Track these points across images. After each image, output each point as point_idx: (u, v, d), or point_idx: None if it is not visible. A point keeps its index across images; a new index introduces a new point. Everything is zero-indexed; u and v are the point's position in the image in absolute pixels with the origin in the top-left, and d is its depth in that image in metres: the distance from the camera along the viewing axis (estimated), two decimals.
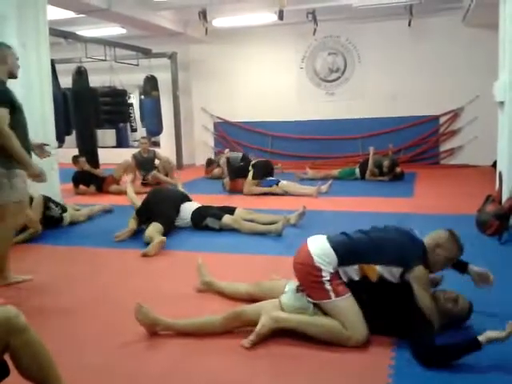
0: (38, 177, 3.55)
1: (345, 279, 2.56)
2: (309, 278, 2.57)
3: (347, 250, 2.60)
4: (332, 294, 2.50)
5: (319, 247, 2.62)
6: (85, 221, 5.47)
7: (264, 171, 7.13)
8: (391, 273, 2.55)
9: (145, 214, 4.88)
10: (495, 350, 2.27)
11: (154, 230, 4.54)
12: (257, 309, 2.67)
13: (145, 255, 4.17)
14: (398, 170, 7.97)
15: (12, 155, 3.32)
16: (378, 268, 2.54)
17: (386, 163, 7.83)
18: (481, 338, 2.22)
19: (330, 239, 2.66)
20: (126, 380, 2.29)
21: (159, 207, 4.88)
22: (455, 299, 2.58)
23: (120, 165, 7.80)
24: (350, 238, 2.68)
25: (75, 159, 7.59)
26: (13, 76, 3.61)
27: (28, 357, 1.79)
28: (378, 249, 2.59)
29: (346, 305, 2.50)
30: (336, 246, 2.60)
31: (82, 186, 7.57)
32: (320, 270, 2.53)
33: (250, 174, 7.00)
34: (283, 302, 2.62)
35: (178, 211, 5.03)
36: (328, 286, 2.51)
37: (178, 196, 5.28)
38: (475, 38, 8.65)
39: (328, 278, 2.52)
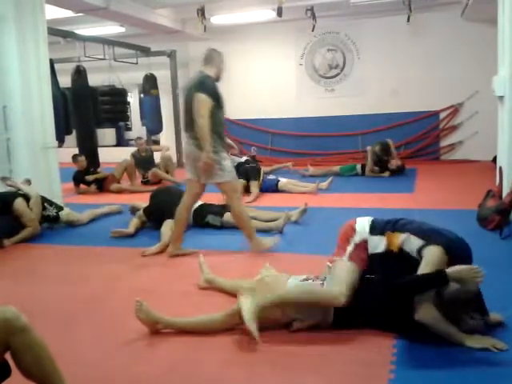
0: (208, 165, 3.85)
1: (370, 250, 2.68)
2: (344, 235, 2.79)
3: (383, 221, 2.78)
4: (346, 255, 2.66)
5: (363, 219, 2.84)
6: (86, 223, 5.44)
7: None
8: (411, 244, 2.56)
9: (155, 214, 4.88)
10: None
11: (168, 228, 4.49)
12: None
13: (143, 255, 4.17)
14: (398, 162, 7.98)
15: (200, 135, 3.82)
16: (402, 236, 2.60)
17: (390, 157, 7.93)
18: (448, 270, 2.33)
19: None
20: (127, 378, 2.29)
21: (170, 206, 4.88)
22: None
23: (120, 164, 7.82)
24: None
25: (75, 158, 7.59)
26: (218, 79, 4.31)
27: (29, 357, 1.78)
28: (410, 221, 2.74)
29: (348, 267, 2.61)
30: (375, 220, 2.80)
31: (82, 186, 7.58)
32: (355, 230, 2.75)
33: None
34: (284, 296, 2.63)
35: None
36: (350, 248, 2.68)
37: (183, 194, 5.28)
38: (474, 32, 8.64)
39: (357, 241, 2.70)
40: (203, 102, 3.92)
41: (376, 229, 2.72)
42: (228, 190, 4.10)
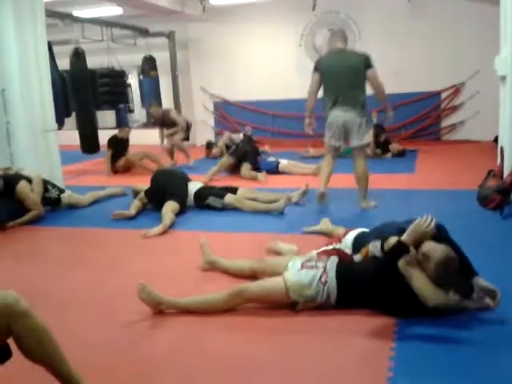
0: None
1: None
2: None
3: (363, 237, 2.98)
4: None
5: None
6: (88, 206, 5.44)
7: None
8: (375, 246, 2.65)
9: (156, 195, 4.89)
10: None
11: (169, 209, 4.57)
12: (260, 286, 2.69)
13: (145, 236, 4.19)
14: (399, 147, 7.98)
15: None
16: (369, 247, 2.73)
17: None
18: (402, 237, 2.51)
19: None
20: (131, 358, 2.32)
21: (172, 187, 4.91)
22: (424, 253, 2.49)
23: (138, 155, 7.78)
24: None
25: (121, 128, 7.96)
26: None
27: (31, 341, 1.79)
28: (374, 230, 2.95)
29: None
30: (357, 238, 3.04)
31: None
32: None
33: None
34: (287, 278, 2.64)
35: (187, 190, 5.05)
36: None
37: (184, 175, 5.33)
38: (476, 12, 8.53)
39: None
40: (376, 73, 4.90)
41: (356, 248, 2.94)
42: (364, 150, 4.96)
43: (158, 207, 4.71)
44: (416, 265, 2.48)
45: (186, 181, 5.19)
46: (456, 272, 2.46)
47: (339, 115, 4.69)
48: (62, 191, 5.31)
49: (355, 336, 2.41)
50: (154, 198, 4.92)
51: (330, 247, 3.06)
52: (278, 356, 2.28)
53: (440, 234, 2.58)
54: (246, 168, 6.76)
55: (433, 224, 2.51)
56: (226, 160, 6.92)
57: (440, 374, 2.08)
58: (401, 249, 2.49)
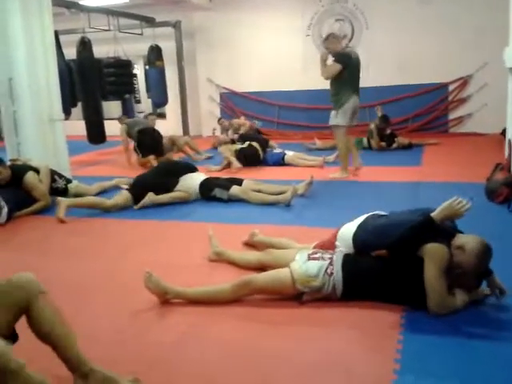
0: None
1: None
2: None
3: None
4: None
5: (346, 233, 2.91)
6: (95, 195, 5.43)
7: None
8: None
9: (141, 188, 4.98)
10: None
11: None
12: (266, 277, 2.70)
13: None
14: (405, 141, 7.94)
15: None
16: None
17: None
18: (433, 213, 2.50)
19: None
20: (138, 347, 2.33)
21: (158, 186, 4.99)
22: (460, 246, 2.45)
23: (179, 141, 7.76)
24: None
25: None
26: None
27: (46, 320, 1.86)
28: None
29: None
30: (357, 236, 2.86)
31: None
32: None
33: None
34: (294, 268, 2.65)
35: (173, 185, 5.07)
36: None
37: (190, 166, 5.43)
38: (484, 2, 8.45)
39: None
40: None
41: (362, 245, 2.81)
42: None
43: (136, 199, 4.82)
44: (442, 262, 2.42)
45: (185, 172, 5.19)
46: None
47: (357, 101, 5.77)
48: (68, 181, 5.33)
49: (361, 328, 2.42)
50: (137, 189, 4.96)
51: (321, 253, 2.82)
52: (284, 347, 2.29)
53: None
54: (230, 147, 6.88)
55: (467, 206, 2.48)
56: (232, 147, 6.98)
57: (447, 366, 2.08)
58: (429, 224, 2.48)
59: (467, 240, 2.44)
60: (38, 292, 1.87)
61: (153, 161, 6.96)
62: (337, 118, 5.73)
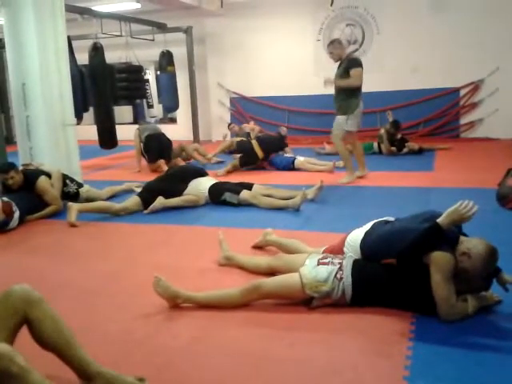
0: None
1: None
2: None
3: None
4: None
5: (355, 239, 2.91)
6: (106, 200, 5.46)
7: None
8: None
9: (152, 193, 5.00)
10: None
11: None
12: (276, 281, 2.70)
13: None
14: (416, 146, 7.91)
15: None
16: None
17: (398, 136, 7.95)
18: (439, 219, 2.48)
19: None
20: (146, 351, 2.34)
21: (169, 192, 5.03)
22: (465, 252, 2.42)
23: (189, 148, 7.81)
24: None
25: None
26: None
27: (47, 327, 1.87)
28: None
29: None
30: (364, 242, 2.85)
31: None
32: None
33: None
34: (303, 273, 2.64)
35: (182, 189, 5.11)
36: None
37: (199, 170, 5.47)
38: (495, 7, 8.42)
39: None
40: None
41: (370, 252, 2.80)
42: None
43: (146, 203, 4.84)
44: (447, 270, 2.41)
45: (194, 177, 5.22)
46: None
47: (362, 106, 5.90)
48: (80, 185, 5.37)
49: (371, 334, 2.40)
50: (147, 193, 4.98)
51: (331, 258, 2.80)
52: (294, 352, 2.28)
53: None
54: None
55: (474, 210, 2.45)
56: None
57: (457, 374, 2.06)
58: (435, 231, 2.46)
59: (472, 245, 2.42)
60: (34, 300, 1.87)
61: (163, 165, 7.00)
62: (347, 124, 5.74)
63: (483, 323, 2.44)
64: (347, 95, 5.70)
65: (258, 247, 3.63)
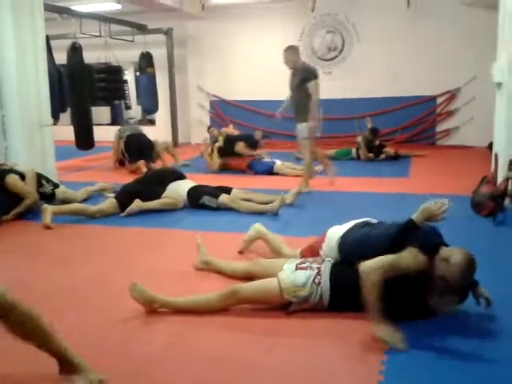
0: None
1: None
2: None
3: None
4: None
5: (332, 240, 2.96)
6: (81, 201, 5.38)
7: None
8: None
9: (128, 196, 4.97)
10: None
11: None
12: (254, 286, 2.70)
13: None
14: (392, 151, 8.02)
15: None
16: None
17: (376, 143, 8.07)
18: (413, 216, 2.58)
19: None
20: (122, 356, 2.31)
21: (146, 193, 5.00)
22: (445, 258, 2.45)
23: (159, 144, 7.69)
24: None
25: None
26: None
27: (25, 329, 1.90)
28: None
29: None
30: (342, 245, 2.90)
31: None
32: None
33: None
34: (282, 278, 2.65)
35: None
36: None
37: (177, 173, 5.45)
38: (473, 18, 8.59)
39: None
40: None
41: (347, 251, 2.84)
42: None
43: (122, 206, 4.81)
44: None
45: (173, 180, 5.20)
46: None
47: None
48: (56, 186, 5.30)
49: (347, 339, 2.42)
50: (123, 196, 4.94)
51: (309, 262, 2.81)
52: (269, 358, 2.28)
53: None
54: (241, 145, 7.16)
55: (446, 207, 2.52)
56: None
57: (431, 378, 2.09)
58: (411, 226, 2.54)
59: (453, 253, 2.46)
60: (9, 305, 1.86)
61: (142, 167, 6.96)
62: (307, 131, 5.76)
63: (458, 327, 2.48)
64: (304, 102, 5.68)
65: (240, 252, 3.63)
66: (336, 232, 2.95)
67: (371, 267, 2.40)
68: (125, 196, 4.92)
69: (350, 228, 2.92)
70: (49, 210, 4.53)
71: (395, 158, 7.98)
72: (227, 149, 7.28)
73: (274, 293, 2.62)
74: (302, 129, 5.78)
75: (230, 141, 7.41)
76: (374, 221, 2.99)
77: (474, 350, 2.29)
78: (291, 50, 5.86)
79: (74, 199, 5.28)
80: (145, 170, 6.80)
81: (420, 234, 2.56)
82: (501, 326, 2.50)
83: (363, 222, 2.98)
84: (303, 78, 5.68)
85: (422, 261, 2.45)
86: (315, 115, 5.68)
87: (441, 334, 2.42)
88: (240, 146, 7.21)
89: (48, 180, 5.25)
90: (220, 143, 7.36)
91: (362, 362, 2.23)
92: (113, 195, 5.13)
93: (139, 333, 2.54)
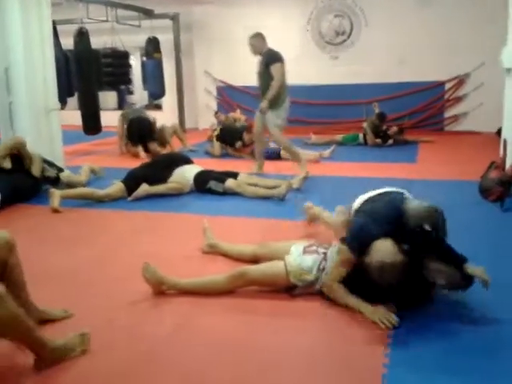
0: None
1: None
2: None
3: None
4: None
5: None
6: (85, 184, 5.38)
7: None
8: None
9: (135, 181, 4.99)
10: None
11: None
12: (261, 269, 2.72)
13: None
14: (395, 128, 7.97)
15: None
16: None
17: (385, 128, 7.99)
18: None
19: None
20: (132, 338, 2.35)
21: (153, 178, 5.02)
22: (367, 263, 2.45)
23: (169, 128, 7.70)
24: None
25: None
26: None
27: (19, 271, 2.16)
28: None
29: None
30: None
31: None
32: None
33: None
34: (288, 261, 2.66)
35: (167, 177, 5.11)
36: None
37: (185, 157, 5.48)
38: (483, 2, 8.46)
39: None
40: None
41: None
42: None
43: (130, 190, 4.83)
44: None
45: (180, 164, 5.22)
46: (400, 276, 2.39)
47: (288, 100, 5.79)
48: (60, 170, 5.33)
49: (352, 322, 2.43)
50: (131, 180, 4.96)
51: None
52: (276, 339, 2.31)
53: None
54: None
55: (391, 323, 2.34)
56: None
57: (437, 360, 2.10)
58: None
59: (373, 257, 2.42)
60: (14, 248, 2.14)
61: (141, 153, 7.06)
62: (277, 119, 5.66)
63: (462, 316, 2.48)
64: (282, 91, 5.62)
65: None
66: (363, 197, 3.01)
67: (325, 284, 2.59)
68: (132, 180, 4.95)
69: (371, 198, 2.94)
70: (57, 193, 4.57)
71: (400, 133, 7.92)
72: (225, 138, 7.33)
73: (281, 275, 2.64)
74: (268, 118, 5.67)
75: (228, 131, 7.46)
76: (406, 193, 2.92)
77: (479, 339, 2.29)
78: (257, 37, 5.82)
79: (78, 183, 5.29)
80: (143, 154, 6.97)
81: (354, 228, 2.60)
82: (506, 313, 2.50)
83: (389, 191, 2.96)
84: (267, 61, 5.62)
85: (351, 260, 2.53)
86: (272, 97, 5.54)
87: (446, 316, 2.43)
88: (239, 145, 7.21)
89: (51, 164, 5.29)
90: (217, 132, 7.40)
91: (366, 345, 2.25)
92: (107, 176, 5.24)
93: (147, 315, 2.57)
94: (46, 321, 2.40)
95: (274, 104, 5.58)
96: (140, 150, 7.21)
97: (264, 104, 5.57)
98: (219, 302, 2.64)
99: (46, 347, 2.03)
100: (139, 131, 7.36)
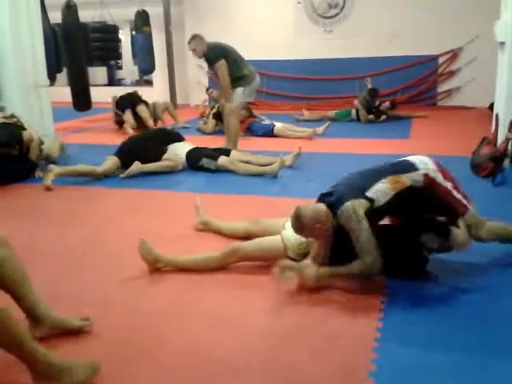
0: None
1: None
2: None
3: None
4: None
5: None
6: (57, 157, 5.29)
7: None
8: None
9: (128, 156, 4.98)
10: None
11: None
12: (254, 244, 2.75)
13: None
14: (387, 103, 7.95)
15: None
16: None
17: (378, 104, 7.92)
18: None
19: None
20: (126, 314, 2.36)
21: (144, 153, 5.01)
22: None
23: (160, 104, 7.68)
24: None
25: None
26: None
27: (11, 265, 1.97)
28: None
29: None
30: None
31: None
32: None
33: None
34: (286, 236, 2.68)
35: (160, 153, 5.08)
36: None
37: (177, 135, 5.44)
38: None
39: None
40: None
41: None
42: None
43: (124, 164, 4.83)
44: None
45: (172, 142, 5.19)
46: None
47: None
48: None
49: (345, 296, 2.47)
50: (124, 152, 4.96)
51: None
52: (269, 314, 2.34)
53: None
54: None
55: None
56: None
57: (428, 335, 2.14)
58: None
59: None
60: (2, 243, 1.95)
61: (130, 121, 7.17)
62: (244, 95, 5.64)
63: (456, 291, 2.51)
64: (241, 70, 5.60)
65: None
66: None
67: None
68: (125, 153, 4.92)
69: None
70: (54, 170, 4.53)
71: (396, 118, 7.90)
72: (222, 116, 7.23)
73: (278, 250, 2.66)
74: (236, 94, 5.60)
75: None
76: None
77: (472, 308, 2.34)
78: (195, 40, 5.60)
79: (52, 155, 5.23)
80: (131, 123, 7.11)
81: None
82: (498, 284, 2.54)
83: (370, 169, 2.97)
84: (210, 62, 5.67)
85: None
86: (228, 95, 5.53)
87: (439, 293, 2.47)
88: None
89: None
90: (215, 109, 7.29)
91: (358, 319, 2.28)
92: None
93: (143, 291, 2.59)
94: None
95: (243, 82, 5.58)
96: (129, 117, 7.21)
97: (227, 107, 5.62)
98: (214, 278, 2.67)
99: (39, 361, 1.72)
100: (129, 96, 7.48)
